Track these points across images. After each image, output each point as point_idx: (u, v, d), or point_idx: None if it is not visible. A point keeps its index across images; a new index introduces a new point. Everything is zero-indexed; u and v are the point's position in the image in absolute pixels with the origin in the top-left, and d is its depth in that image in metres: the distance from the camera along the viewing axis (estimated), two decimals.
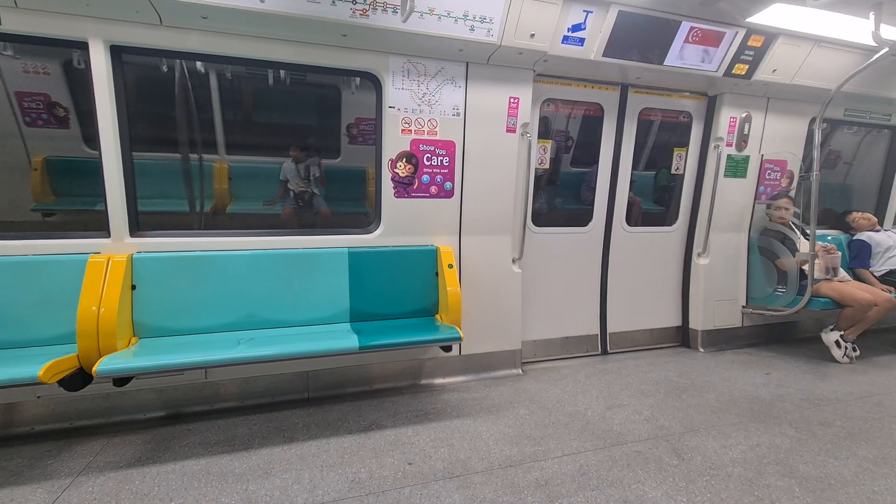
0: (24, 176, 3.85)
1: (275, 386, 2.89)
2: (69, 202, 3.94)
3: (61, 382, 2.08)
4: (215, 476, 2.13)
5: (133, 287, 2.47)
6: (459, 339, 2.57)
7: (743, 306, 4.09)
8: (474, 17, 2.60)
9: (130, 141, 2.54)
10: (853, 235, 4.29)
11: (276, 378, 2.88)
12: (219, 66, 3.97)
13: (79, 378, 2.19)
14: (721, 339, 4.07)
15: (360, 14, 2.44)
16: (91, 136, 2.46)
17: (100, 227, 2.54)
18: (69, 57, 3.65)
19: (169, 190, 3.77)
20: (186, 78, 3.60)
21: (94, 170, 2.51)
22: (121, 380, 2.30)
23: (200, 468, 2.19)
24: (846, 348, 3.71)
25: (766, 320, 4.14)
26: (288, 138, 4.55)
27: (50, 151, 3.89)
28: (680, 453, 2.39)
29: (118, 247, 2.53)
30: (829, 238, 4.20)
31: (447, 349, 2.89)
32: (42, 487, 2.04)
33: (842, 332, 3.73)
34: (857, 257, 4.13)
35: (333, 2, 2.37)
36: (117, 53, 2.42)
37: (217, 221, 4.29)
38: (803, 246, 3.79)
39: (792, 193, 4.01)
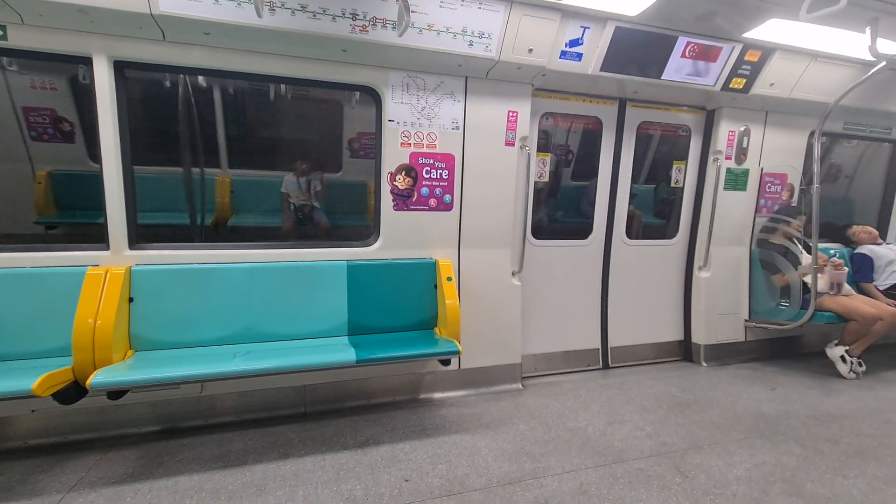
0: (28, 189, 3.88)
1: (271, 400, 2.86)
2: (71, 215, 3.97)
3: (55, 395, 2.06)
4: (208, 493, 2.09)
5: (131, 299, 2.46)
6: (458, 352, 2.54)
7: (746, 320, 4.04)
8: (473, 33, 2.63)
9: (132, 154, 2.56)
10: (854, 249, 4.26)
11: (272, 392, 2.85)
12: (221, 80, 4.03)
13: (73, 391, 2.17)
14: (724, 354, 4.02)
15: (360, 30, 2.47)
16: (95, 151, 2.49)
17: (100, 239, 2.54)
18: (75, 73, 3.72)
19: (171, 203, 3.80)
20: (189, 93, 3.65)
21: (96, 183, 2.53)
22: (115, 393, 2.28)
23: (193, 484, 2.15)
24: (852, 363, 3.65)
25: (769, 334, 4.09)
26: (290, 152, 4.59)
27: (54, 165, 3.93)
28: (683, 471, 2.33)
29: (117, 259, 2.53)
30: (833, 252, 4.16)
31: (446, 363, 2.86)
32: None
33: (847, 347, 3.68)
34: (860, 271, 4.09)
35: (334, 18, 2.41)
36: (121, 69, 2.46)
37: (218, 234, 4.30)
38: (806, 260, 3.77)
39: (793, 205, 4.00)
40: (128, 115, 2.53)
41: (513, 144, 3.13)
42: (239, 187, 4.46)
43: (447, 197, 3.05)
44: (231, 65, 2.59)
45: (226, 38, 2.46)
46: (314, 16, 2.38)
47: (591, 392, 3.33)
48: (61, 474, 2.21)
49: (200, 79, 3.75)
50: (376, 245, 2.98)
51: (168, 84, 3.67)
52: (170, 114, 3.65)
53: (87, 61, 2.38)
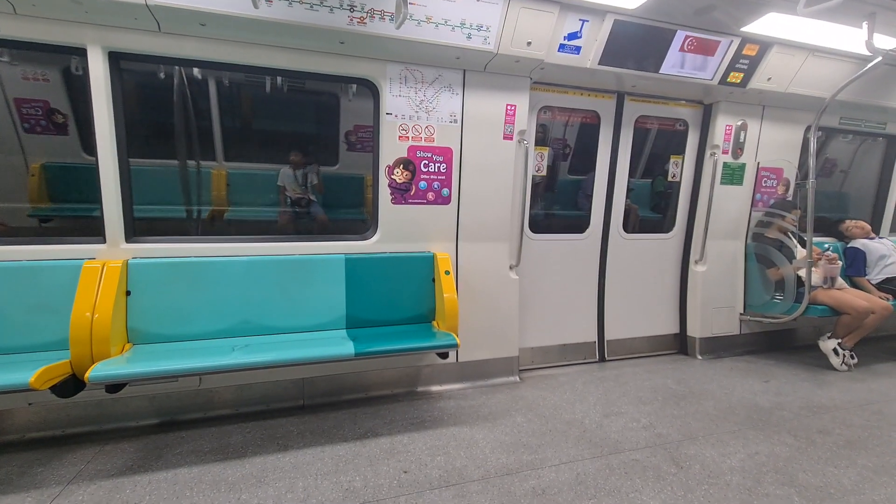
0: (21, 181, 3.84)
1: (270, 393, 2.87)
2: (66, 208, 3.93)
3: (53, 389, 2.06)
4: (207, 485, 2.11)
5: (128, 293, 2.45)
6: (456, 345, 2.55)
7: (741, 313, 4.08)
8: (471, 26, 2.62)
9: (128, 147, 2.54)
10: (847, 243, 4.30)
11: (271, 385, 2.86)
12: (217, 73, 3.99)
13: (71, 384, 2.16)
14: (719, 347, 4.06)
15: (358, 22, 2.45)
16: (89, 143, 2.47)
17: (96, 232, 2.53)
18: (68, 64, 3.67)
19: (167, 196, 3.77)
20: (185, 85, 3.61)
21: (91, 176, 2.51)
22: (113, 386, 2.29)
23: (193, 476, 2.16)
24: (844, 356, 3.70)
25: (763, 328, 4.13)
26: (286, 145, 4.56)
27: (48, 157, 3.89)
28: (678, 462, 2.37)
29: (114, 252, 2.52)
30: (827, 246, 4.20)
31: (444, 356, 2.87)
32: (31, 496, 2.01)
33: (839, 340, 3.72)
34: (853, 265, 4.13)
35: (331, 10, 2.39)
36: (115, 60, 2.43)
37: (214, 227, 4.28)
38: (800, 254, 3.80)
39: (789, 199, 4.02)
40: (123, 107, 2.50)
41: (511, 138, 3.13)
42: (235, 180, 4.44)
43: (445, 191, 3.05)
44: (227, 56, 2.56)
45: (222, 30, 2.43)
46: (311, 7, 2.36)
47: (588, 384, 3.36)
48: (60, 467, 2.22)
49: (196, 70, 3.71)
50: (374, 238, 2.97)
51: (163, 76, 3.63)
52: (165, 106, 3.62)
53: (82, 52, 2.35)
